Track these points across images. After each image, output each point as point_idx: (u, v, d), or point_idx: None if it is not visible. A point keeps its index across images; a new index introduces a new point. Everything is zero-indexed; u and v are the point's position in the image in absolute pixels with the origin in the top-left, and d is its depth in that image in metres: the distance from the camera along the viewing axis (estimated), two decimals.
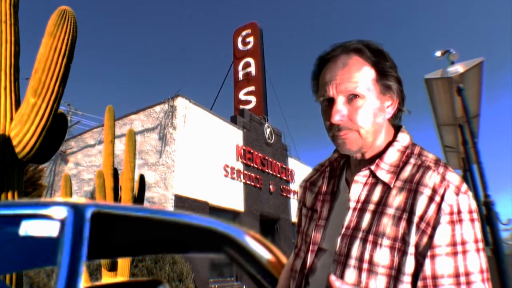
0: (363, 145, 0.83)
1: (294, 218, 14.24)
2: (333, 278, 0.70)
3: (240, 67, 16.24)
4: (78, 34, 2.66)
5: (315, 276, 0.86)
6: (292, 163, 15.52)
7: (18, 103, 2.61)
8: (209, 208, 10.37)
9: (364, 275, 0.74)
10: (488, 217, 3.79)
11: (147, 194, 9.43)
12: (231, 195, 11.51)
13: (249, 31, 16.58)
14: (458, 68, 4.45)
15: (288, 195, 14.63)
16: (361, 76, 0.81)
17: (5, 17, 2.60)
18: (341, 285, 0.69)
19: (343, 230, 0.81)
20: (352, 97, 0.81)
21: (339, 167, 0.96)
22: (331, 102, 0.83)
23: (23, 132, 2.44)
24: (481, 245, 0.72)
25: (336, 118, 0.80)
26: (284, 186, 14.40)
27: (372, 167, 0.83)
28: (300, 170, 15.66)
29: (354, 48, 0.84)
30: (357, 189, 0.83)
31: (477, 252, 0.71)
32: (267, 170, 13.45)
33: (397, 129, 0.90)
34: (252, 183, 12.51)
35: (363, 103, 0.81)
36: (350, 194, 0.83)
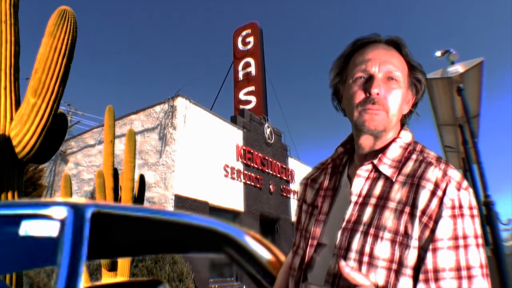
0: (387, 127, 0.85)
1: (294, 218, 14.21)
2: (343, 263, 0.69)
3: (240, 67, 16.23)
4: (78, 34, 2.66)
5: (313, 272, 0.86)
6: (292, 163, 15.52)
7: (18, 103, 2.61)
8: (209, 208, 10.37)
9: (364, 268, 0.74)
10: (488, 217, 3.79)
11: (147, 194, 9.42)
12: (231, 195, 11.50)
13: (249, 31, 16.57)
14: (458, 68, 4.45)
15: (288, 195, 14.62)
16: (400, 65, 0.87)
17: (5, 17, 2.60)
18: (350, 270, 0.69)
19: (344, 223, 0.81)
20: (390, 79, 0.85)
21: (342, 164, 0.97)
22: (368, 78, 0.86)
23: (23, 132, 2.44)
24: (480, 241, 0.73)
25: (375, 90, 0.83)
26: (284, 186, 14.40)
27: (375, 161, 0.84)
28: (300, 170, 15.66)
29: (394, 42, 0.90)
30: (359, 183, 0.84)
31: (477, 248, 0.72)
32: (267, 170, 13.45)
33: (401, 127, 0.92)
34: (252, 183, 12.50)
35: (397, 87, 0.86)
36: (352, 188, 0.84)
